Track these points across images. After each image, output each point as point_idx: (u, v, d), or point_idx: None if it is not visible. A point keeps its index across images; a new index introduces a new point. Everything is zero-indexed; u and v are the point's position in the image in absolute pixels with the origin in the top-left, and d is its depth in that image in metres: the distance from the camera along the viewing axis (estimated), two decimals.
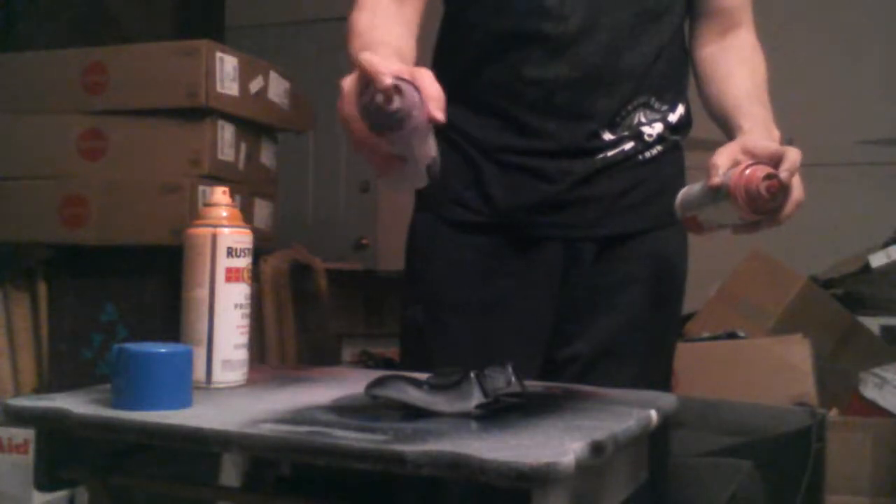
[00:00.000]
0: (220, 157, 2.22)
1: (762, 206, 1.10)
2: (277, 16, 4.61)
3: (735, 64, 1.33)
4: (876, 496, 2.04)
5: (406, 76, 0.93)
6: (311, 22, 4.60)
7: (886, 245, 2.71)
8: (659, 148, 1.33)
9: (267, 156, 2.49)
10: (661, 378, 1.36)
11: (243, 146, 2.33)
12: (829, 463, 1.97)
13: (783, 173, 1.10)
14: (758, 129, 1.21)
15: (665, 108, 1.32)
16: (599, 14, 1.25)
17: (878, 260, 2.66)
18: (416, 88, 0.93)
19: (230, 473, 1.06)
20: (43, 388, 2.23)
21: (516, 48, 1.27)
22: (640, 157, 1.31)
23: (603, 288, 1.33)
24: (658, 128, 1.32)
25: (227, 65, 2.22)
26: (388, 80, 0.91)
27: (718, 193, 1.13)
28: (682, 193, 1.23)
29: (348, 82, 0.98)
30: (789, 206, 1.12)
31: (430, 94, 0.93)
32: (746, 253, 2.58)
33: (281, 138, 2.60)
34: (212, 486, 1.03)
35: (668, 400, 1.02)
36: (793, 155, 1.11)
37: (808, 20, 3.44)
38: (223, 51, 2.21)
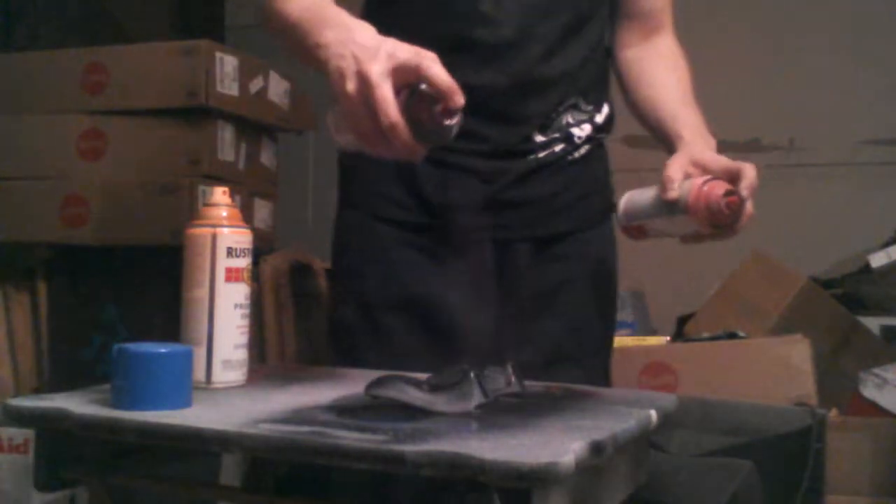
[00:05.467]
0: (220, 157, 2.22)
1: (721, 220, 1.12)
2: None
3: (662, 70, 1.35)
4: (876, 496, 2.04)
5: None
6: None
7: (886, 245, 2.72)
8: (587, 147, 1.34)
9: (267, 156, 2.49)
10: (601, 378, 1.36)
11: (243, 146, 2.33)
12: (829, 463, 1.97)
13: (744, 191, 1.12)
14: (698, 139, 1.23)
15: (591, 108, 1.33)
16: (533, 22, 1.25)
17: (878, 260, 2.67)
18: None
19: (230, 473, 1.06)
20: (43, 388, 2.22)
21: (449, 53, 1.24)
22: (569, 157, 1.32)
23: (542, 291, 1.33)
24: (587, 129, 1.33)
25: (227, 65, 2.21)
26: (462, 101, 0.93)
27: (675, 207, 1.14)
28: (627, 201, 1.24)
29: (386, 89, 0.92)
30: (743, 220, 1.14)
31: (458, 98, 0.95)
32: (746, 253, 2.58)
33: (281, 138, 2.60)
34: (212, 486, 1.03)
35: (668, 400, 1.02)
36: (750, 172, 1.14)
37: (808, 21, 3.43)
38: (223, 51, 2.21)
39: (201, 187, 2.15)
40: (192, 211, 2.09)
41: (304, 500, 0.95)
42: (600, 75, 1.36)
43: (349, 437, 0.77)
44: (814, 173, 3.38)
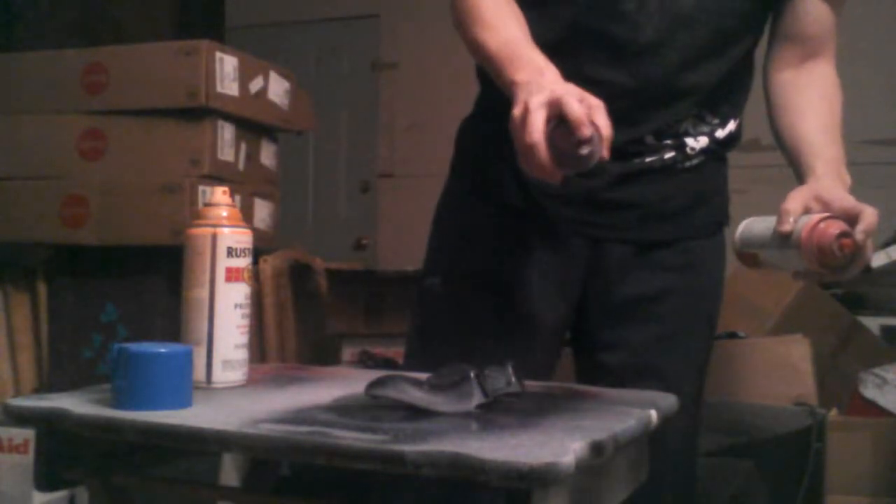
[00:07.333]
0: (220, 157, 2.22)
1: (832, 262, 1.08)
2: (277, 16, 4.61)
3: (813, 98, 1.28)
4: (876, 496, 2.04)
5: (588, 112, 1.01)
6: (311, 22, 4.60)
7: (886, 245, 2.71)
8: (701, 158, 1.29)
9: (267, 156, 2.49)
10: (689, 398, 1.28)
11: (243, 146, 2.33)
12: (829, 463, 1.97)
13: (859, 234, 1.08)
14: (831, 174, 1.18)
15: (716, 121, 1.29)
16: (676, 29, 1.21)
17: (878, 260, 2.66)
18: (595, 127, 1.01)
19: (230, 473, 1.06)
20: (43, 388, 2.23)
21: (583, 45, 1.23)
22: (680, 165, 1.28)
23: (637, 297, 1.30)
24: (703, 141, 1.28)
25: (227, 65, 2.22)
26: (589, 132, 1.00)
27: (787, 241, 1.10)
28: (744, 228, 1.20)
29: (538, 116, 1.01)
30: (857, 266, 1.10)
31: (606, 135, 1.01)
32: None
33: (281, 138, 2.60)
34: (212, 486, 1.03)
35: (668, 400, 1.02)
36: (870, 216, 1.09)
37: None
38: (223, 51, 2.21)
39: (201, 187, 2.15)
40: (192, 211, 2.09)
41: (304, 500, 0.95)
42: (737, 93, 1.31)
43: (349, 437, 0.77)
44: None
